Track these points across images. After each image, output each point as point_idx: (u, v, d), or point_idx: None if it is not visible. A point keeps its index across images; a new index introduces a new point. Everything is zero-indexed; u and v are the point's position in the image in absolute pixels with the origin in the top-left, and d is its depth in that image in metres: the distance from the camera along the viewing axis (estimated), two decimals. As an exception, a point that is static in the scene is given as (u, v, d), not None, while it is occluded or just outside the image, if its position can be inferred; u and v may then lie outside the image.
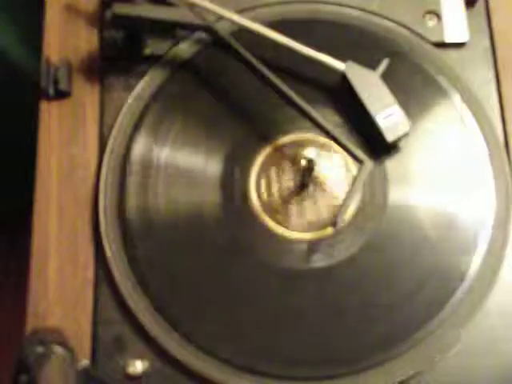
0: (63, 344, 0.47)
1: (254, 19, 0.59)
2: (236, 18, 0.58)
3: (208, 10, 0.58)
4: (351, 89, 0.57)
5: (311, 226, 0.56)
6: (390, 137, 0.56)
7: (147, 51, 0.61)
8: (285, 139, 0.59)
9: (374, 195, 0.57)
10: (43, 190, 0.58)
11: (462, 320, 0.53)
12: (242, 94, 0.60)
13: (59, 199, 0.58)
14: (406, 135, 0.56)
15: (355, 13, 0.63)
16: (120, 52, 0.61)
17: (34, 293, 0.55)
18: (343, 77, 0.58)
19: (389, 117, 0.56)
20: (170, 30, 0.62)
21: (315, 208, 0.57)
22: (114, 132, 0.59)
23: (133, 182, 0.57)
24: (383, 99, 0.57)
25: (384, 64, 0.58)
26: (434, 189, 0.57)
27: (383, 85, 0.57)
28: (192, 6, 0.59)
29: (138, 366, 0.52)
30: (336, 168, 0.58)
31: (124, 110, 0.60)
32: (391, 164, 0.58)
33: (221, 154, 0.58)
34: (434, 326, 0.53)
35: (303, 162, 0.54)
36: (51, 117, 0.60)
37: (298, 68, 0.60)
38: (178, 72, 0.61)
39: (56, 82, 0.60)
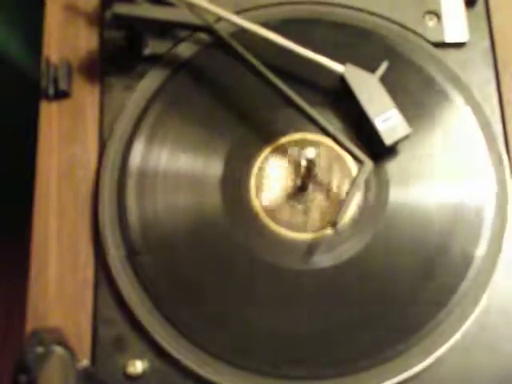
0: (63, 344, 0.47)
1: (254, 20, 0.59)
2: (235, 18, 0.58)
3: (207, 11, 0.58)
4: (350, 91, 0.57)
5: (311, 226, 0.56)
6: (388, 140, 0.56)
7: (147, 51, 0.61)
8: (285, 139, 0.59)
9: (374, 195, 0.57)
10: (43, 189, 0.58)
11: (462, 319, 0.53)
12: (241, 94, 0.60)
13: (59, 199, 0.58)
14: (404, 138, 0.56)
15: (355, 13, 0.63)
16: (120, 52, 0.61)
17: (34, 293, 0.55)
18: (342, 79, 0.58)
19: (387, 120, 0.56)
20: (170, 29, 0.62)
21: (315, 208, 0.57)
22: (114, 132, 0.59)
23: (133, 181, 0.57)
24: (382, 102, 0.57)
25: (383, 67, 0.58)
26: (433, 189, 0.57)
27: (382, 88, 0.57)
28: (192, 6, 0.59)
29: (138, 366, 0.52)
30: (336, 168, 0.58)
31: (124, 110, 0.60)
32: (391, 164, 0.58)
33: (221, 154, 0.58)
34: (434, 325, 0.53)
35: (303, 162, 0.54)
36: (51, 117, 0.60)
37: (297, 69, 0.60)
38: (178, 72, 0.61)
39: (56, 82, 0.60)
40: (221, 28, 0.59)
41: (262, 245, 0.55)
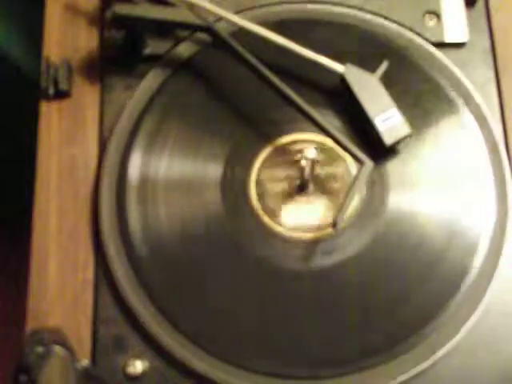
0: (63, 344, 0.48)
1: (254, 20, 0.59)
2: (235, 18, 0.58)
3: (207, 11, 0.58)
4: (350, 91, 0.57)
5: (311, 227, 0.56)
6: (388, 140, 0.56)
7: (147, 51, 0.61)
8: (285, 139, 0.59)
9: (374, 196, 0.57)
10: (43, 189, 0.58)
11: (462, 320, 0.53)
12: (241, 94, 0.60)
13: (59, 199, 0.58)
14: (405, 138, 0.56)
15: (355, 13, 0.63)
16: (120, 52, 0.61)
17: (34, 293, 0.55)
18: (342, 79, 0.58)
19: (387, 120, 0.56)
20: (170, 29, 0.62)
21: (315, 208, 0.57)
22: (114, 132, 0.59)
23: (132, 182, 0.57)
24: (382, 102, 0.57)
25: (383, 67, 0.58)
26: (433, 190, 0.57)
27: (382, 88, 0.57)
28: (192, 6, 0.59)
29: (137, 366, 0.52)
30: (336, 168, 0.58)
31: (124, 110, 0.60)
32: (391, 165, 0.58)
33: (221, 154, 0.58)
34: (434, 326, 0.53)
35: (303, 162, 0.54)
36: (51, 117, 0.60)
37: (297, 69, 0.60)
38: (178, 72, 0.61)
39: (56, 82, 0.60)
40: (221, 28, 0.59)
41: (262, 245, 0.55)
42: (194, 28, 0.61)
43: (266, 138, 0.59)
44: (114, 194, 0.57)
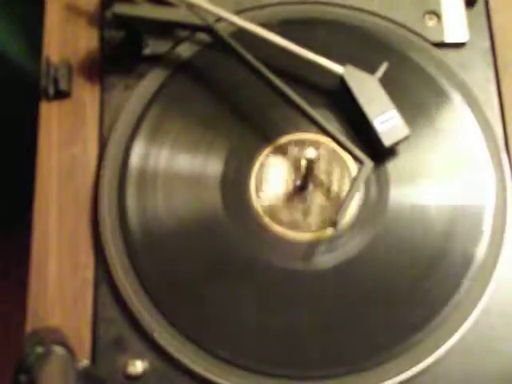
0: (63, 344, 0.47)
1: (254, 20, 0.59)
2: (235, 18, 0.58)
3: (207, 11, 0.58)
4: (350, 92, 0.57)
5: (311, 226, 0.56)
6: (387, 141, 0.56)
7: (147, 51, 0.61)
8: (285, 139, 0.59)
9: (374, 195, 0.57)
10: (43, 189, 0.58)
11: (462, 319, 0.53)
12: (241, 94, 0.60)
13: (59, 199, 0.58)
14: (404, 140, 0.56)
15: (355, 13, 0.63)
16: (120, 52, 0.61)
17: (34, 293, 0.55)
18: (342, 80, 0.58)
19: (386, 121, 0.56)
20: (170, 29, 0.62)
21: (315, 208, 0.57)
22: (114, 132, 0.59)
23: (133, 181, 0.57)
24: (381, 103, 0.57)
25: (383, 68, 0.58)
26: (434, 189, 0.57)
27: (381, 89, 0.57)
28: (192, 6, 0.59)
29: (138, 366, 0.52)
30: (336, 168, 0.58)
31: (124, 110, 0.60)
32: (391, 164, 0.58)
33: (221, 154, 0.58)
34: (434, 325, 0.53)
35: (303, 162, 0.54)
36: (51, 117, 0.60)
37: (297, 69, 0.60)
38: (178, 72, 0.61)
39: (56, 82, 0.60)
40: (221, 28, 0.59)
41: (262, 245, 0.55)
42: (194, 28, 0.61)
43: (266, 137, 0.59)
44: (115, 194, 0.57)
